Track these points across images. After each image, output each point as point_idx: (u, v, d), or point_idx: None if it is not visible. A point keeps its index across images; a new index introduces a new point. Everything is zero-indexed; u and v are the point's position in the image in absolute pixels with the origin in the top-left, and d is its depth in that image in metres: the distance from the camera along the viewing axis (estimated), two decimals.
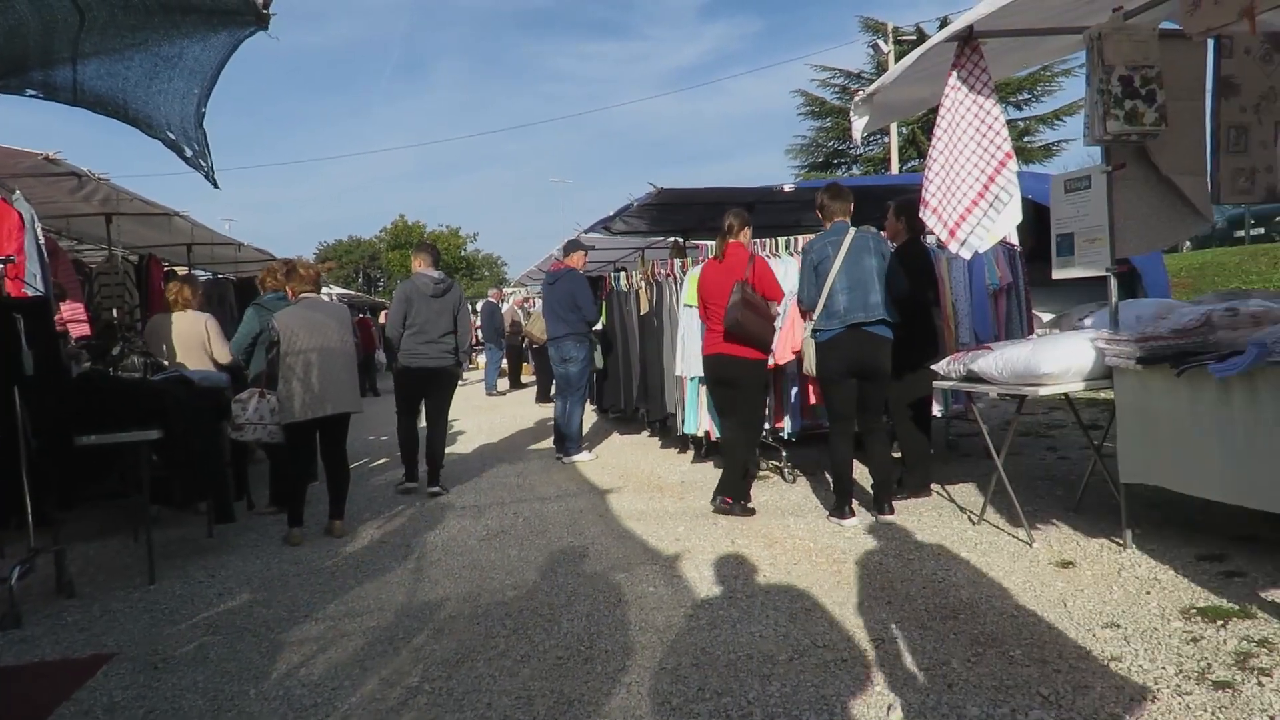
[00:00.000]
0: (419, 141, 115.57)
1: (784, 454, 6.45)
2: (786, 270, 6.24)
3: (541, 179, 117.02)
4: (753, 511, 5.33)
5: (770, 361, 5.45)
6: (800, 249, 6.75)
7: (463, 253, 56.51)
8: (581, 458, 7.79)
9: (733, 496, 5.40)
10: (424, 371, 6.58)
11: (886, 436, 5.20)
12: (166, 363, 5.62)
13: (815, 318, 5.04)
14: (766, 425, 6.29)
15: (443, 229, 55.82)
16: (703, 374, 5.95)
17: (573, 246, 8.28)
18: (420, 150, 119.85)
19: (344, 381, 5.45)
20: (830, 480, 5.95)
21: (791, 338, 5.25)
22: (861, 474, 5.56)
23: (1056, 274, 4.69)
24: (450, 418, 11.96)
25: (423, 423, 6.82)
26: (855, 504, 5.09)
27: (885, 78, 4.92)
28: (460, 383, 7.22)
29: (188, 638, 3.75)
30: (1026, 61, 5.66)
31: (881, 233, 5.39)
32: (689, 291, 6.71)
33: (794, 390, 6.49)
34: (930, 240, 5.72)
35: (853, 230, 5.03)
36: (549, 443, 8.92)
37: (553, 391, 8.32)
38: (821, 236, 5.14)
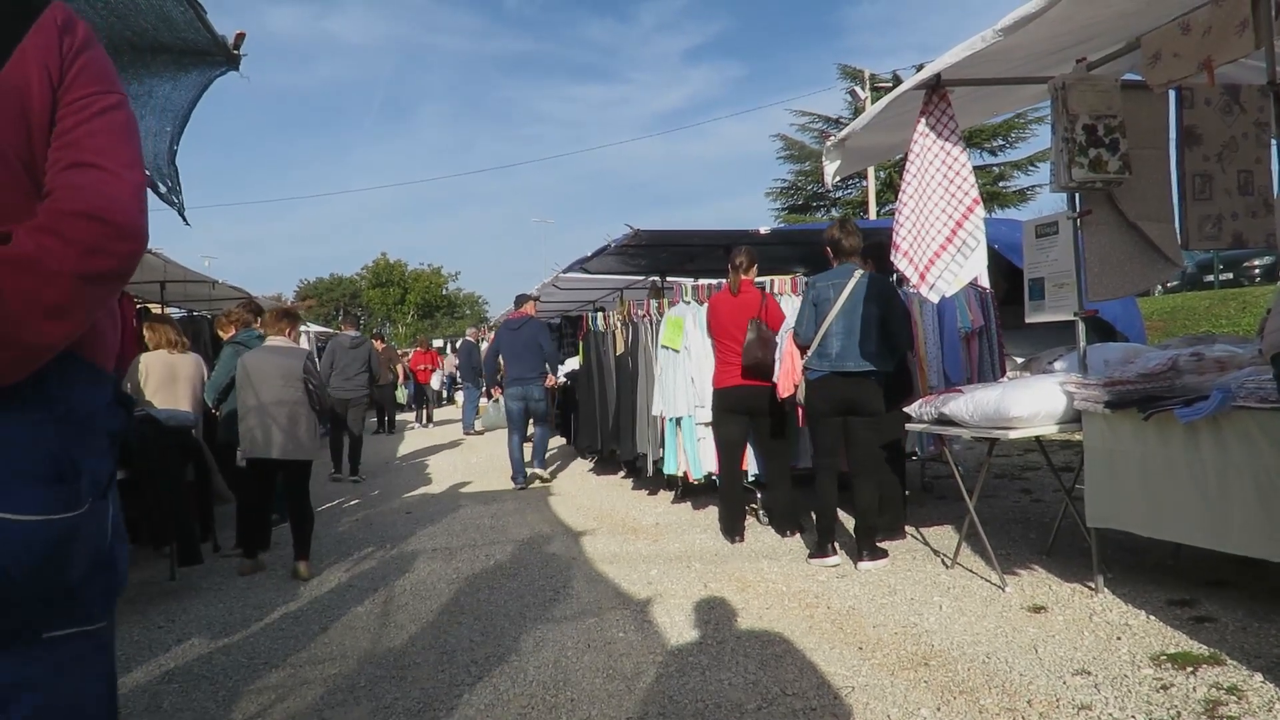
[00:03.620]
0: (401, 181, 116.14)
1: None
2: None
3: (523, 219, 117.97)
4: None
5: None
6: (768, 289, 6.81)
7: (444, 291, 56.50)
8: (542, 472, 9.14)
9: (795, 528, 5.77)
10: (345, 399, 9.72)
11: (874, 481, 5.03)
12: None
13: (808, 356, 5.04)
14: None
15: (424, 267, 55.87)
16: (712, 407, 6.00)
17: (523, 299, 9.31)
18: (402, 189, 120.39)
19: (286, 429, 5.38)
20: (807, 522, 5.94)
21: (793, 371, 5.28)
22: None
23: (1029, 318, 4.73)
24: (426, 458, 11.95)
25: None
26: (836, 544, 5.05)
27: (856, 123, 4.99)
28: (432, 424, 7.33)
29: (143, 686, 3.64)
30: (995, 109, 5.77)
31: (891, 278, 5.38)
32: (666, 332, 6.73)
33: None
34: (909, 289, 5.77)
35: (859, 273, 4.96)
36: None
37: (506, 427, 9.12)
38: (826, 275, 5.09)
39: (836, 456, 5.09)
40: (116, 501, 1.40)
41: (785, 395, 5.37)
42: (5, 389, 1.16)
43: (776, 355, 5.51)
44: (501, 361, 8.96)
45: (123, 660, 3.98)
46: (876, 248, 5.26)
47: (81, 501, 1.24)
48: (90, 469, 1.27)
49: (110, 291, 1.25)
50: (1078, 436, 4.19)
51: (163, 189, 3.71)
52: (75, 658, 1.29)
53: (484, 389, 16.30)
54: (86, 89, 1.24)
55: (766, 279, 6.97)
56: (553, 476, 9.33)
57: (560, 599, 4.63)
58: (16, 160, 1.19)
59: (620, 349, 8.25)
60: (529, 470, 8.92)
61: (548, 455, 10.26)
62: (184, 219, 3.80)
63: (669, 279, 9.98)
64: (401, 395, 18.69)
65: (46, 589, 1.22)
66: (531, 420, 8.96)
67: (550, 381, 8.86)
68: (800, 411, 5.35)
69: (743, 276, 5.79)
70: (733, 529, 5.72)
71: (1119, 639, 3.49)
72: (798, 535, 5.69)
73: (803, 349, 5.14)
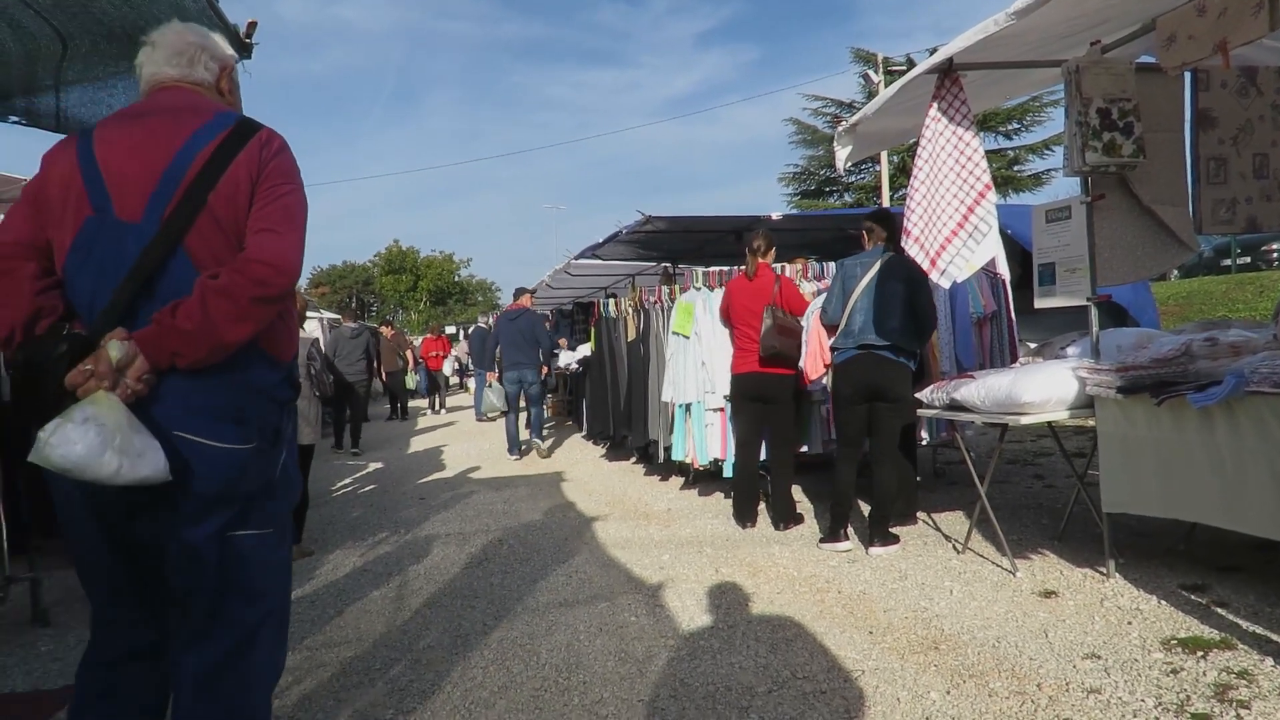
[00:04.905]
0: (413, 167, 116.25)
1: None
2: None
3: (535, 205, 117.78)
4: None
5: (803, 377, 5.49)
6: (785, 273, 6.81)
7: (456, 278, 56.61)
8: (540, 444, 10.16)
9: (793, 520, 5.65)
10: (348, 383, 11.10)
11: (894, 468, 5.01)
12: None
13: (836, 336, 5.04)
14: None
15: (436, 254, 55.96)
16: (730, 393, 6.02)
17: (521, 291, 10.52)
18: (414, 176, 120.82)
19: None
20: (813, 508, 5.96)
21: (820, 352, 5.25)
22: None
23: (1039, 303, 4.71)
24: (439, 444, 12.06)
25: None
26: (850, 529, 5.07)
27: (868, 108, 4.97)
28: (444, 410, 7.38)
29: None
30: (1008, 93, 5.73)
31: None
32: (677, 319, 6.73)
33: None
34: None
35: (887, 254, 4.96)
36: (537, 469, 9.05)
37: (505, 407, 10.55)
38: (856, 256, 5.12)
39: (859, 445, 5.09)
40: (292, 451, 2.16)
41: (815, 377, 5.36)
42: (211, 366, 1.88)
43: (803, 338, 5.49)
44: (499, 349, 10.19)
45: None
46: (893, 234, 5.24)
47: (251, 440, 1.96)
48: (259, 421, 1.99)
49: (275, 307, 1.94)
50: (1090, 422, 4.18)
51: None
52: (252, 548, 2.01)
53: (456, 372, 16.75)
54: (272, 182, 1.97)
55: (778, 265, 6.98)
56: (550, 452, 10.21)
57: (572, 583, 4.67)
58: (231, 229, 1.92)
59: (632, 335, 8.27)
60: (530, 442, 10.21)
61: (548, 436, 11.60)
62: None
63: (680, 265, 9.99)
64: (411, 381, 18.79)
65: (232, 497, 1.95)
66: (526, 401, 10.22)
67: (545, 371, 10.37)
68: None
69: (759, 261, 5.77)
70: (745, 514, 5.73)
71: (1130, 624, 3.50)
72: (796, 527, 5.64)
73: (831, 328, 5.13)
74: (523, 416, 10.30)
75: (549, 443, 10.69)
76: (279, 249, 1.91)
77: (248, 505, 1.99)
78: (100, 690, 2.04)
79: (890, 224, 5.09)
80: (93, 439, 1.72)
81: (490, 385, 12.51)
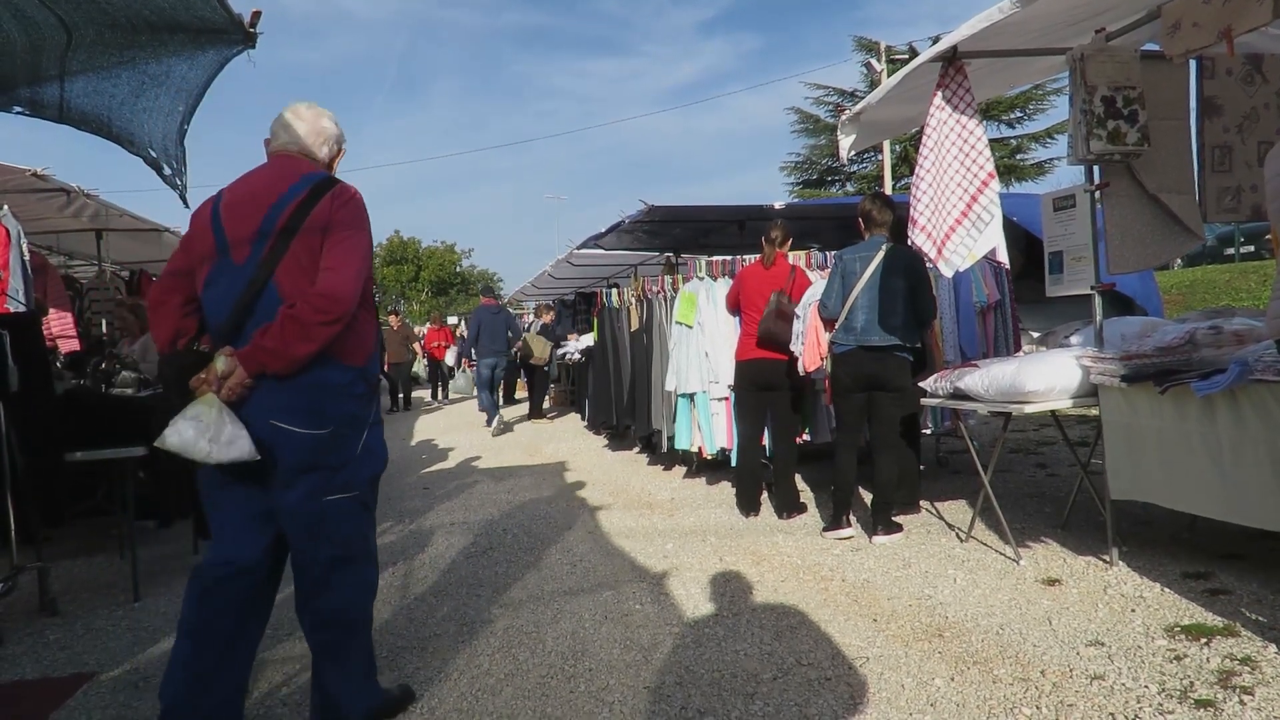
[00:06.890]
0: (414, 158, 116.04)
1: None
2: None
3: (537, 195, 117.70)
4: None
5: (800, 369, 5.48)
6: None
7: (458, 269, 56.54)
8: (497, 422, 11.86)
9: (796, 509, 5.67)
10: None
11: (895, 457, 5.01)
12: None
13: (835, 330, 5.01)
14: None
15: (438, 245, 55.88)
16: (734, 381, 6.00)
17: (489, 291, 13.36)
18: (416, 166, 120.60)
19: None
20: (815, 497, 5.97)
21: (818, 345, 5.23)
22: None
23: (1050, 291, 4.70)
24: (442, 434, 12.12)
25: None
26: (852, 516, 5.09)
27: (871, 97, 4.95)
28: (447, 400, 7.41)
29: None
30: (1012, 81, 5.71)
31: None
32: (680, 308, 6.74)
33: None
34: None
35: (887, 246, 4.90)
36: (540, 459, 9.08)
37: (473, 390, 12.73)
38: (855, 248, 5.05)
39: (859, 432, 5.09)
40: (374, 431, 2.80)
41: (812, 369, 5.35)
42: (294, 372, 2.52)
43: (800, 329, 5.48)
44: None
45: (150, 631, 4.07)
46: (895, 222, 5.22)
47: (327, 426, 2.60)
48: (335, 411, 2.62)
49: (333, 328, 2.52)
50: (1094, 411, 4.19)
51: (168, 171, 3.78)
52: (343, 506, 2.70)
53: (458, 361, 17.29)
54: (338, 230, 2.59)
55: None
56: (501, 431, 11.80)
57: (577, 572, 4.68)
58: (310, 266, 2.55)
59: (635, 325, 8.27)
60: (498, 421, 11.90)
61: (547, 418, 13.30)
62: (185, 202, 3.89)
63: (683, 255, 9.97)
64: (421, 370, 18.94)
65: (313, 467, 2.61)
66: (493, 383, 12.07)
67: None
68: (827, 386, 5.34)
69: (777, 250, 5.77)
70: (749, 504, 5.75)
71: (1133, 611, 3.51)
72: (800, 516, 5.66)
73: (829, 322, 5.11)
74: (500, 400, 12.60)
75: (564, 445, 11.44)
76: (334, 284, 2.51)
77: (331, 474, 2.63)
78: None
79: (891, 211, 5.07)
80: (191, 431, 2.41)
81: (464, 371, 13.45)
